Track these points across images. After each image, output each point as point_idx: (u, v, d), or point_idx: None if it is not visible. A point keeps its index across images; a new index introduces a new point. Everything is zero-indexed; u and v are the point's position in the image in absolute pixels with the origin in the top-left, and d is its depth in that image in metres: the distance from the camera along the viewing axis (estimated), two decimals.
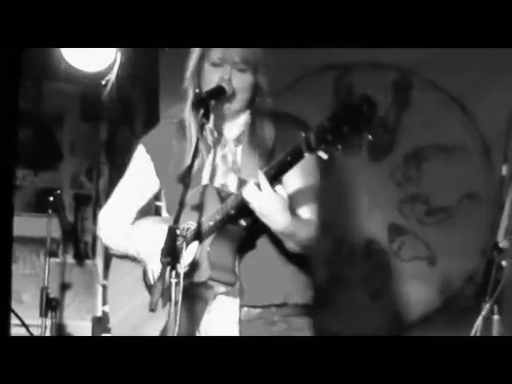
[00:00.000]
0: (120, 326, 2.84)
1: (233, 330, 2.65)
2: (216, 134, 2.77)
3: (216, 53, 2.70)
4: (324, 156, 2.34)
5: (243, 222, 2.59)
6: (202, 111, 2.60)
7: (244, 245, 2.65)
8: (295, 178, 2.65)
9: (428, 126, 4.32)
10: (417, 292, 4.30)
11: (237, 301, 2.65)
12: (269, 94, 2.76)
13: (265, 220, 2.54)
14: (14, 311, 3.85)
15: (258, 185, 2.48)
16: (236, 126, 2.79)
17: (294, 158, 2.43)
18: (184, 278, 2.44)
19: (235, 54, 2.68)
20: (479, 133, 4.26)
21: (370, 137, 2.27)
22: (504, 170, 2.51)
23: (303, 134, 2.36)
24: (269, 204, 2.49)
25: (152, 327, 2.63)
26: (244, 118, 2.79)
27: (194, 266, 2.60)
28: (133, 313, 2.77)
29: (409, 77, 4.39)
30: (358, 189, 4.38)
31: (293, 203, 2.63)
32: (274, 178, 2.49)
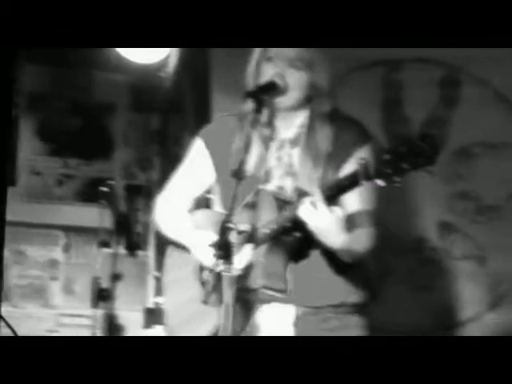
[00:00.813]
0: (174, 315, 2.85)
1: (287, 330, 2.66)
2: (270, 131, 2.75)
3: (272, 48, 2.69)
4: (381, 184, 2.36)
5: (298, 234, 2.60)
6: (253, 105, 2.59)
7: (298, 254, 2.66)
8: (355, 199, 2.64)
9: (477, 122, 4.28)
10: (467, 291, 4.27)
11: (291, 306, 2.66)
12: (327, 95, 2.74)
13: (320, 239, 2.55)
14: (2, 317, 3.85)
15: (314, 204, 2.48)
16: (293, 127, 2.78)
17: (352, 184, 2.44)
18: (237, 280, 2.45)
19: (291, 50, 2.67)
20: None
21: (426, 172, 2.30)
22: None
23: (362, 161, 2.39)
24: (325, 224, 2.50)
25: (208, 321, 2.65)
26: (301, 120, 2.77)
27: (247, 271, 2.62)
28: (187, 304, 2.78)
29: (457, 73, 4.37)
30: (407, 185, 4.33)
31: (350, 215, 2.65)
32: (332, 198, 2.49)
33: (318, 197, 2.47)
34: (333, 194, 2.49)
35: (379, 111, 4.39)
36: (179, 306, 2.82)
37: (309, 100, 2.75)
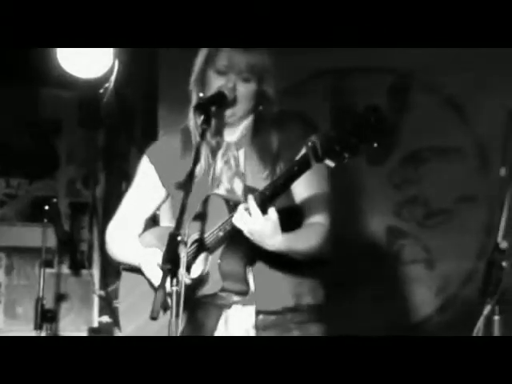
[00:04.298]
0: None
1: (248, 333, 2.65)
2: (217, 140, 2.77)
3: (222, 60, 2.70)
4: (331, 164, 2.35)
5: None
6: (202, 117, 2.60)
7: (255, 253, 2.64)
8: (304, 186, 2.66)
9: (425, 128, 4.33)
10: (416, 295, 4.33)
11: (252, 307, 2.66)
12: (274, 102, 2.76)
13: (257, 243, 2.55)
14: None
15: (247, 209, 2.49)
16: (237, 129, 2.79)
17: (302, 168, 2.43)
18: (194, 289, 2.45)
19: (241, 61, 2.68)
20: (475, 135, 4.28)
21: (375, 145, 2.28)
22: (502, 172, 2.52)
23: (310, 143, 2.36)
24: (259, 229, 2.50)
25: None
26: (246, 123, 2.79)
27: (204, 278, 2.62)
28: (144, 327, 2.75)
29: (406, 80, 4.41)
30: (357, 192, 4.40)
31: (302, 211, 2.66)
32: (271, 198, 2.49)
33: (251, 203, 2.48)
34: (277, 191, 2.48)
35: (329, 119, 4.43)
36: (139, 329, 2.79)
37: (255, 107, 2.77)
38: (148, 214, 2.95)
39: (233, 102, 2.69)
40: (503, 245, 2.58)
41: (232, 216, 2.56)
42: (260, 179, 2.63)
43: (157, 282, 2.59)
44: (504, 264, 2.58)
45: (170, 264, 2.34)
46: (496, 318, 2.63)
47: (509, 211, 2.64)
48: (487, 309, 2.61)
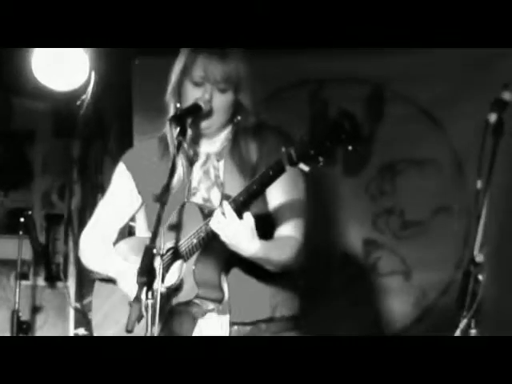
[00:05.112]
0: None
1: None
2: (194, 151, 2.77)
3: (198, 71, 2.70)
4: (305, 168, 2.35)
5: None
6: (178, 129, 2.59)
7: (229, 260, 2.64)
8: (279, 193, 2.66)
9: (401, 139, 4.35)
10: (394, 306, 4.34)
11: (226, 317, 2.66)
12: (251, 112, 2.77)
13: (233, 248, 2.54)
14: None
15: (223, 213, 2.49)
16: (218, 140, 2.80)
17: (277, 173, 2.43)
18: (169, 298, 2.44)
19: (217, 72, 2.68)
20: (451, 146, 4.30)
21: (350, 147, 2.29)
22: (479, 184, 2.53)
23: (284, 149, 2.37)
24: (234, 233, 2.50)
25: None
26: (226, 134, 2.79)
27: (179, 285, 2.62)
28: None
29: (382, 90, 4.43)
30: (333, 203, 4.41)
31: (276, 219, 2.67)
32: (246, 203, 2.50)
33: (226, 207, 2.48)
34: (257, 189, 2.48)
35: (307, 128, 4.45)
36: None
37: (233, 117, 2.77)
38: (123, 222, 2.94)
39: (209, 114, 2.70)
40: (479, 258, 2.57)
41: (207, 223, 2.56)
42: (239, 190, 2.63)
43: (133, 295, 2.58)
44: (480, 277, 2.57)
45: (146, 277, 2.34)
46: (472, 331, 2.63)
47: (485, 224, 2.64)
48: (463, 322, 2.61)
